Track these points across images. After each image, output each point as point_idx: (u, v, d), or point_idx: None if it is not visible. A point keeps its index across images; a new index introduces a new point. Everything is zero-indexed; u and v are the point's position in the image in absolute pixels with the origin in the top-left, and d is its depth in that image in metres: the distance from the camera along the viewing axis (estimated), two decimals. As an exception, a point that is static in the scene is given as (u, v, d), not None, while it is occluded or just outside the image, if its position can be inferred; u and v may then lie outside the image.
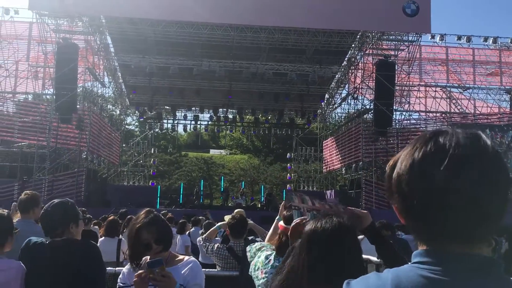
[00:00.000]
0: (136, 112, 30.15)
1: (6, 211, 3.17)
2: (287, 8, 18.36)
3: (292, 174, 32.40)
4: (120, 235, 7.30)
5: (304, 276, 1.67)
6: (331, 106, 29.77)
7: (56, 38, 19.98)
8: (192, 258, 2.85)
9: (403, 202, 0.99)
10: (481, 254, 0.94)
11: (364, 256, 2.27)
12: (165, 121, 31.14)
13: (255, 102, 27.63)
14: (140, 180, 30.05)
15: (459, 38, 22.73)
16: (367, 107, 23.35)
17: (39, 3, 18.59)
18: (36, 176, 20.14)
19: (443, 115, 24.29)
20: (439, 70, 24.99)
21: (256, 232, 5.23)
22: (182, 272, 2.68)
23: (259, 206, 25.91)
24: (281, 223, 2.79)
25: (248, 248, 3.12)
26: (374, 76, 20.95)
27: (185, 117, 29.90)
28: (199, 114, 29.64)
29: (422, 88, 24.73)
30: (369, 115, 23.33)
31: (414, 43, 21.08)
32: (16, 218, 4.22)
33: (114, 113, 32.83)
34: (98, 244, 4.93)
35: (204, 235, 5.59)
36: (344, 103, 27.75)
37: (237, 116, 29.79)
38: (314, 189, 30.51)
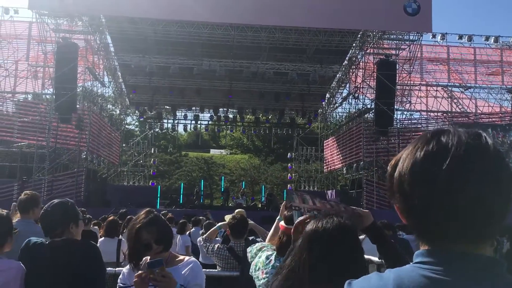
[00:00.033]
0: (136, 111, 30.15)
1: (5, 211, 3.17)
2: (288, 8, 18.37)
3: (293, 174, 32.39)
4: (120, 236, 7.30)
5: (305, 276, 1.67)
6: (332, 106, 29.76)
7: (56, 37, 19.98)
8: (193, 259, 2.85)
9: (404, 202, 0.99)
10: (483, 254, 0.94)
11: (365, 256, 2.26)
12: (165, 120, 31.14)
13: (256, 101, 27.62)
14: (140, 180, 30.06)
15: (461, 37, 22.71)
16: (368, 106, 23.35)
17: (39, 2, 18.59)
18: (35, 176, 20.15)
19: (444, 114, 24.28)
20: (440, 70, 24.98)
21: (257, 232, 5.23)
22: (183, 272, 2.67)
23: (260, 206, 25.92)
24: (282, 223, 2.78)
25: (248, 249, 3.12)
26: (375, 75, 20.94)
27: (185, 117, 29.90)
28: (199, 114, 29.63)
29: (423, 88, 24.72)
30: (370, 114, 23.31)
31: (415, 42, 21.07)
32: (16, 218, 4.22)
33: (114, 112, 32.85)
34: (98, 245, 4.94)
35: (205, 235, 5.59)
36: (345, 102, 27.76)
37: (238, 115, 29.79)
38: (315, 189, 30.49)
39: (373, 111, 22.12)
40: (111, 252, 6.51)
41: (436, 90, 24.75)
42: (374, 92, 21.37)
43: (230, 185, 39.45)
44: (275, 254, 2.75)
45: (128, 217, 8.20)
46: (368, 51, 22.33)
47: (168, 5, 18.38)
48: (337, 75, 26.05)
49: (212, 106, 28.73)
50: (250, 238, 4.98)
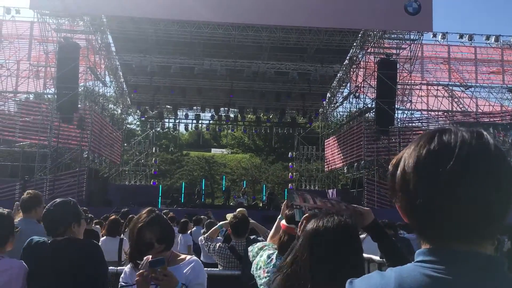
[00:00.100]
0: (137, 111, 30.15)
1: (7, 210, 3.17)
2: (289, 7, 18.37)
3: (294, 173, 32.40)
4: (122, 235, 7.31)
5: (306, 275, 1.67)
6: (332, 105, 29.75)
7: (58, 37, 20.00)
8: (194, 258, 2.85)
9: (406, 201, 0.99)
10: (485, 253, 0.94)
11: (366, 255, 2.26)
12: (166, 120, 31.17)
13: (257, 101, 27.61)
14: (142, 179, 30.09)
15: (461, 36, 22.68)
16: (369, 106, 23.34)
17: (40, 2, 18.61)
18: (37, 175, 20.18)
19: (445, 113, 24.27)
20: (441, 69, 24.96)
21: (258, 231, 5.24)
22: (184, 271, 2.68)
23: (261, 205, 25.93)
24: (283, 222, 2.78)
25: (250, 248, 3.12)
26: (376, 74, 20.93)
27: (186, 116, 29.91)
28: (200, 113, 29.64)
29: (424, 87, 24.70)
30: (371, 114, 23.31)
31: (416, 42, 21.06)
32: (18, 218, 4.23)
33: (116, 112, 32.86)
34: (99, 244, 4.94)
35: (206, 234, 5.59)
36: (345, 102, 27.76)
37: (239, 115, 29.78)
38: (316, 188, 30.49)
39: (374, 110, 22.11)
40: (113, 251, 6.52)
41: (437, 89, 24.72)
42: (375, 91, 21.36)
43: (231, 184, 39.48)
44: (276, 253, 2.75)
45: (130, 216, 8.20)
46: (369, 50, 22.32)
47: (169, 4, 18.39)
48: (338, 75, 26.04)
49: (213, 106, 28.73)
50: (252, 237, 4.98)
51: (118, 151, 28.84)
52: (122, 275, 2.86)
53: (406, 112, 23.21)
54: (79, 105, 20.79)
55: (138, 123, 39.31)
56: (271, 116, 30.58)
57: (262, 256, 2.82)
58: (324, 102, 29.47)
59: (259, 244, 3.06)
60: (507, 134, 22.40)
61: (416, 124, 24.12)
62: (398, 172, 1.01)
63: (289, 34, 20.95)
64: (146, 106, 28.51)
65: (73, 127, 21.10)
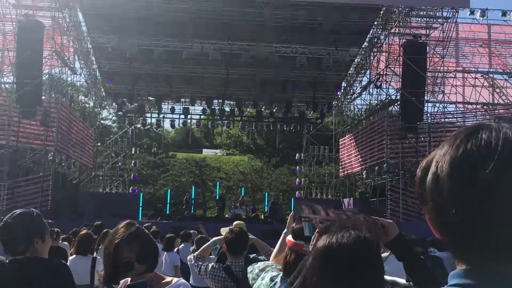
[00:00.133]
0: (114, 104, 30.13)
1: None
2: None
3: (302, 179, 32.40)
4: (95, 253, 7.31)
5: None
6: (349, 97, 29.74)
7: (17, 15, 19.98)
8: (182, 281, 2.85)
9: (438, 212, 0.99)
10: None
11: (389, 277, 2.26)
12: (148, 115, 31.14)
13: (257, 91, 27.61)
14: (119, 186, 30.11)
15: (504, 13, 22.63)
16: (393, 97, 23.32)
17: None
18: (-7, 181, 20.20)
19: (485, 106, 24.26)
20: (479, 53, 24.93)
21: (259, 249, 5.24)
22: (170, 297, 2.68)
23: (263, 217, 25.93)
24: (289, 237, 2.78)
25: (249, 269, 3.12)
26: (401, 60, 20.91)
27: (172, 110, 29.90)
28: (189, 107, 29.63)
29: (459, 75, 24.69)
30: (395, 107, 23.28)
31: (449, 20, 21.04)
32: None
33: (87, 105, 32.91)
34: (68, 264, 4.94)
35: (196, 252, 5.60)
36: (364, 92, 27.75)
37: (236, 108, 29.78)
38: (329, 197, 30.50)
39: (398, 103, 22.08)
40: (84, 273, 6.53)
41: (475, 78, 24.71)
42: (400, 80, 21.34)
43: (226, 193, 39.50)
44: (281, 275, 2.75)
45: (105, 230, 8.20)
46: (392, 30, 22.30)
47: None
48: (356, 60, 26.04)
49: (205, 97, 28.72)
50: (251, 256, 4.97)
51: (90, 153, 28.84)
52: (95, 302, 2.87)
53: (437, 105, 23.21)
54: (43, 97, 20.76)
55: (114, 118, 39.38)
56: (274, 110, 30.56)
57: (264, 278, 2.83)
58: (338, 93, 29.44)
59: (260, 265, 3.06)
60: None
61: (450, 119, 24.12)
62: (429, 177, 1.01)
63: (297, 10, 20.94)
64: (124, 98, 28.52)
65: (36, 124, 21.10)
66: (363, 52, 25.21)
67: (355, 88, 28.82)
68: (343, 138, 29.71)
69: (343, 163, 29.35)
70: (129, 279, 2.71)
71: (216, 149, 54.85)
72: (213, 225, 15.97)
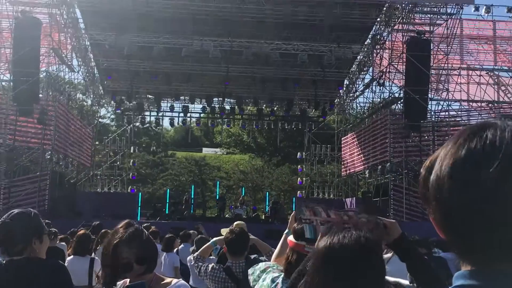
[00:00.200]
0: (112, 102, 30.15)
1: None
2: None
3: (304, 178, 32.40)
4: (93, 254, 7.32)
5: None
6: (351, 95, 29.73)
7: (14, 11, 19.98)
8: (181, 281, 2.85)
9: (442, 212, 0.99)
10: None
11: (391, 278, 2.27)
12: (147, 113, 31.15)
13: (258, 89, 27.61)
14: (117, 186, 30.11)
15: (509, 10, 22.62)
16: (396, 95, 23.31)
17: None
18: (-11, 181, 20.23)
19: (490, 105, 24.23)
20: (484, 50, 24.91)
21: (260, 250, 5.24)
22: (170, 298, 2.69)
23: (264, 217, 25.95)
24: (291, 238, 2.79)
25: (250, 271, 3.12)
26: (405, 57, 20.89)
27: (171, 109, 29.92)
28: (189, 105, 29.65)
29: (463, 72, 24.66)
30: (399, 105, 23.27)
31: (453, 17, 21.01)
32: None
33: (85, 103, 32.89)
34: (65, 264, 4.95)
35: (196, 253, 5.60)
36: (367, 90, 27.74)
37: (236, 107, 29.78)
38: (331, 196, 30.50)
39: (402, 101, 22.07)
40: (81, 274, 6.52)
41: (480, 75, 24.68)
42: (403, 77, 21.33)
43: (227, 192, 39.52)
44: (282, 276, 2.76)
45: (103, 231, 8.21)
46: (396, 27, 22.29)
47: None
48: (358, 57, 26.02)
49: (205, 95, 28.73)
50: (252, 256, 4.98)
51: (88, 151, 28.86)
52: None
53: (441, 103, 23.19)
54: (40, 95, 20.76)
55: (112, 116, 39.36)
56: (275, 108, 30.54)
57: (265, 280, 2.83)
58: (341, 91, 29.43)
59: (261, 266, 3.06)
60: None
61: (454, 117, 24.09)
62: (432, 176, 1.01)
63: (298, 7, 20.92)
64: (122, 96, 28.52)
65: (33, 122, 21.10)
66: (365, 49, 25.18)
67: (357, 85, 28.82)
68: (346, 137, 29.71)
69: (346, 162, 29.34)
70: (128, 280, 2.72)
71: (216, 148, 54.89)
72: (213, 225, 15.99)
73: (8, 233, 3.09)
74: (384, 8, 22.18)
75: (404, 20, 21.63)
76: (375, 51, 24.67)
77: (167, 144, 53.06)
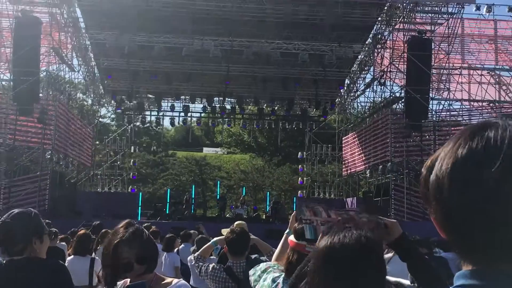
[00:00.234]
0: (112, 101, 30.15)
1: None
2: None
3: (305, 178, 32.41)
4: (93, 253, 7.32)
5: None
6: (352, 94, 29.73)
7: (14, 10, 19.98)
8: (182, 281, 2.86)
9: (443, 212, 0.99)
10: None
11: (392, 278, 2.27)
12: (147, 112, 31.16)
13: (259, 89, 27.60)
14: (117, 185, 30.13)
15: (511, 9, 22.59)
16: (397, 95, 23.30)
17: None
18: (-11, 180, 20.24)
19: (491, 104, 24.22)
20: (485, 49, 24.90)
21: (261, 250, 5.24)
22: (170, 298, 2.69)
23: (264, 217, 25.96)
24: (292, 237, 2.79)
25: (251, 272, 3.12)
26: (406, 56, 20.88)
27: (172, 108, 29.92)
28: (189, 104, 29.65)
29: (465, 72, 24.66)
30: (400, 104, 23.26)
31: (455, 16, 21.01)
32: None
33: (85, 103, 32.91)
34: (66, 264, 4.95)
35: (197, 253, 5.60)
36: (368, 90, 27.74)
37: (237, 106, 29.78)
38: (332, 196, 30.50)
39: (403, 100, 22.06)
40: (82, 274, 6.53)
41: (481, 75, 24.67)
42: (405, 77, 21.32)
43: (227, 192, 39.51)
44: (283, 276, 2.76)
45: (103, 231, 8.22)
46: (397, 26, 22.28)
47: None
48: (359, 57, 26.02)
49: (205, 95, 28.73)
50: (253, 256, 4.97)
51: (89, 151, 28.87)
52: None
53: (443, 102, 23.19)
54: (40, 94, 20.76)
55: (113, 116, 39.36)
56: (276, 108, 30.54)
57: (266, 280, 2.83)
58: (341, 91, 29.42)
59: (262, 266, 3.06)
60: None
61: (455, 117, 24.08)
62: (432, 176, 1.01)
63: (299, 6, 20.91)
64: (122, 95, 28.52)
65: (33, 122, 21.10)
66: (366, 48, 25.18)
67: (358, 85, 28.81)
68: (347, 136, 29.70)
69: (346, 161, 29.34)
70: (128, 280, 2.72)
71: (217, 148, 54.88)
72: (214, 225, 15.99)
73: (8, 233, 3.09)
74: (385, 8, 22.17)
75: (405, 19, 21.63)
76: (376, 50, 24.66)
77: (168, 144, 53.06)
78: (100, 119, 34.52)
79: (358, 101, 30.51)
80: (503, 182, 0.90)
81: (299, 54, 22.53)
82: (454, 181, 0.96)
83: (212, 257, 6.72)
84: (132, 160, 31.72)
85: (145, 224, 10.46)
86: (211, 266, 5.01)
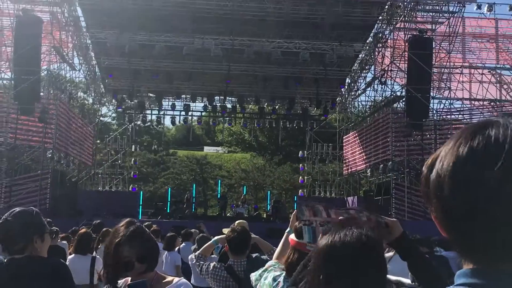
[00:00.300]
0: (113, 100, 30.15)
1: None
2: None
3: (305, 177, 32.40)
4: (94, 252, 7.33)
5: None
6: (353, 93, 29.71)
7: (15, 9, 19.98)
8: (183, 280, 2.86)
9: (443, 211, 0.98)
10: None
11: (393, 277, 2.27)
12: (148, 111, 31.18)
13: (259, 88, 27.59)
14: (118, 184, 30.15)
15: (512, 8, 22.60)
16: (398, 94, 23.28)
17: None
18: (-10, 179, 20.25)
19: (492, 103, 24.21)
20: (486, 48, 24.88)
21: (262, 249, 5.24)
22: (171, 297, 2.69)
23: (265, 216, 25.97)
24: (293, 236, 2.79)
25: (252, 273, 3.13)
26: (407, 55, 20.87)
27: (173, 107, 29.91)
28: (190, 103, 29.65)
29: (466, 71, 24.65)
30: (401, 103, 23.24)
31: (456, 15, 20.99)
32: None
33: (86, 102, 32.91)
34: (67, 263, 4.96)
35: (198, 251, 5.60)
36: (369, 89, 27.74)
37: (237, 105, 29.78)
38: (333, 195, 30.51)
39: (404, 99, 22.04)
40: (83, 272, 6.55)
41: (482, 74, 24.66)
42: (405, 76, 21.30)
43: (228, 191, 39.51)
44: (284, 275, 2.76)
45: (104, 229, 8.22)
46: (398, 25, 22.26)
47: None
48: (360, 56, 26.00)
49: (206, 94, 28.72)
50: (254, 255, 4.98)
51: (90, 150, 28.88)
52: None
53: (443, 101, 23.19)
54: (41, 93, 20.76)
55: (113, 115, 39.38)
56: (277, 107, 30.53)
57: (267, 278, 2.83)
58: (342, 90, 29.39)
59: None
60: None
61: (456, 116, 24.08)
62: (433, 175, 1.00)
63: (300, 5, 20.89)
64: (123, 94, 28.53)
65: (34, 120, 21.11)
66: (367, 47, 25.17)
67: (359, 84, 28.80)
68: (347, 135, 29.70)
69: (347, 160, 29.34)
70: (129, 278, 2.72)
71: (218, 147, 54.83)
72: (215, 224, 16.01)
73: (9, 231, 3.10)
74: (386, 6, 22.15)
75: (406, 18, 21.61)
76: (377, 49, 24.65)
77: (169, 143, 53.07)
78: (101, 118, 34.53)
79: (359, 100, 30.56)
80: (505, 182, 0.90)
81: (300, 53, 22.52)
82: (455, 180, 0.96)
83: (213, 256, 6.72)
84: (133, 159, 31.75)
85: (146, 223, 10.46)
86: (212, 265, 5.02)
